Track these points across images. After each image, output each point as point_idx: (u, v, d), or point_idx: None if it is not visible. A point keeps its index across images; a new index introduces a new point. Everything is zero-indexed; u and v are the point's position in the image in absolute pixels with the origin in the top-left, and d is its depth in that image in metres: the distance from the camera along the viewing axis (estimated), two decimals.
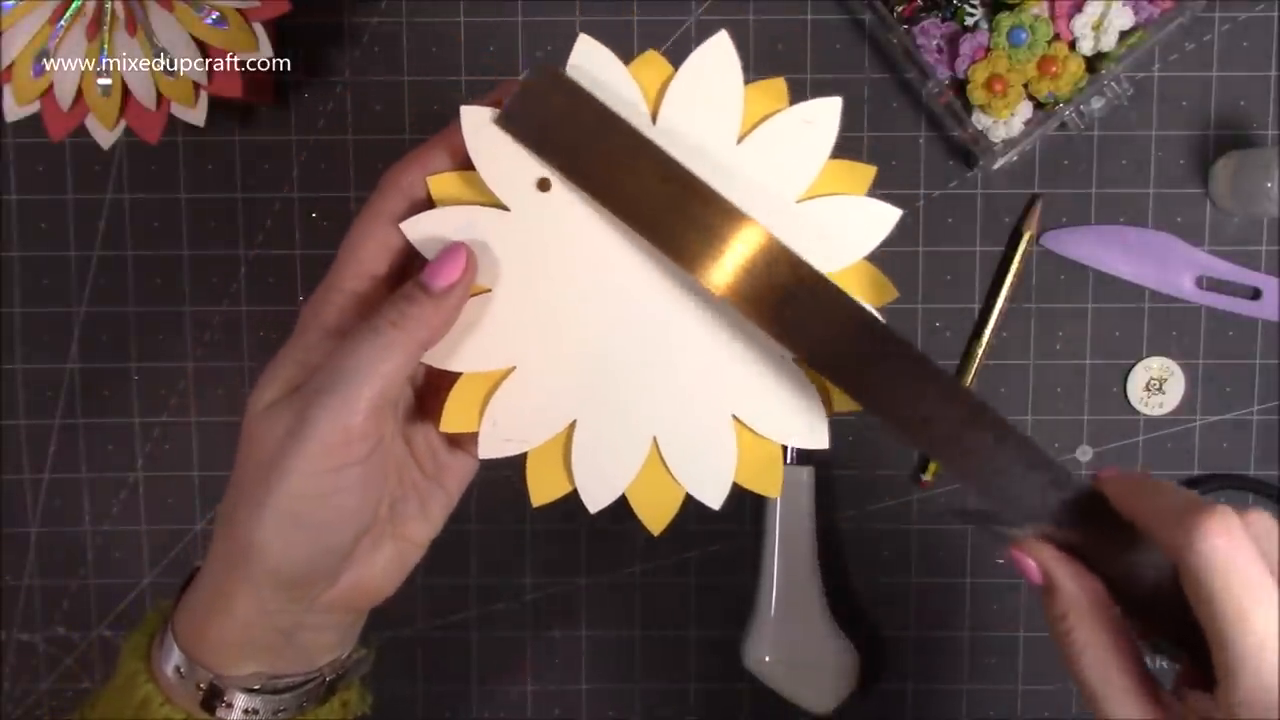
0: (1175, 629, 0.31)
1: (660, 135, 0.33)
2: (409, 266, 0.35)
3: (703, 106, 0.33)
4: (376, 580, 0.36)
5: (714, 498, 0.35)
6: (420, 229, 0.34)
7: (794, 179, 0.33)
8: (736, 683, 0.62)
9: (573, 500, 0.35)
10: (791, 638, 0.59)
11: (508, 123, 0.33)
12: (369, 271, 0.34)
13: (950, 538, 0.61)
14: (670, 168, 0.32)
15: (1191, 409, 0.60)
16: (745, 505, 0.61)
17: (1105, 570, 0.32)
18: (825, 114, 0.33)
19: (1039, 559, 0.33)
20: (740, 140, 0.33)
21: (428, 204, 0.34)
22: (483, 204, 0.34)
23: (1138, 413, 0.60)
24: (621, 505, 0.35)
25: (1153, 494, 0.31)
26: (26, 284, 0.60)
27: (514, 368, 0.34)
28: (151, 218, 0.60)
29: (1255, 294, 0.58)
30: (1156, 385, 0.59)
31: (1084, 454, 0.60)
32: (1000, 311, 0.59)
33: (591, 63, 0.33)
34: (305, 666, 0.36)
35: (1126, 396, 0.60)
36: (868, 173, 0.34)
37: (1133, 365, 0.59)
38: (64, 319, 0.60)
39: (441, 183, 0.34)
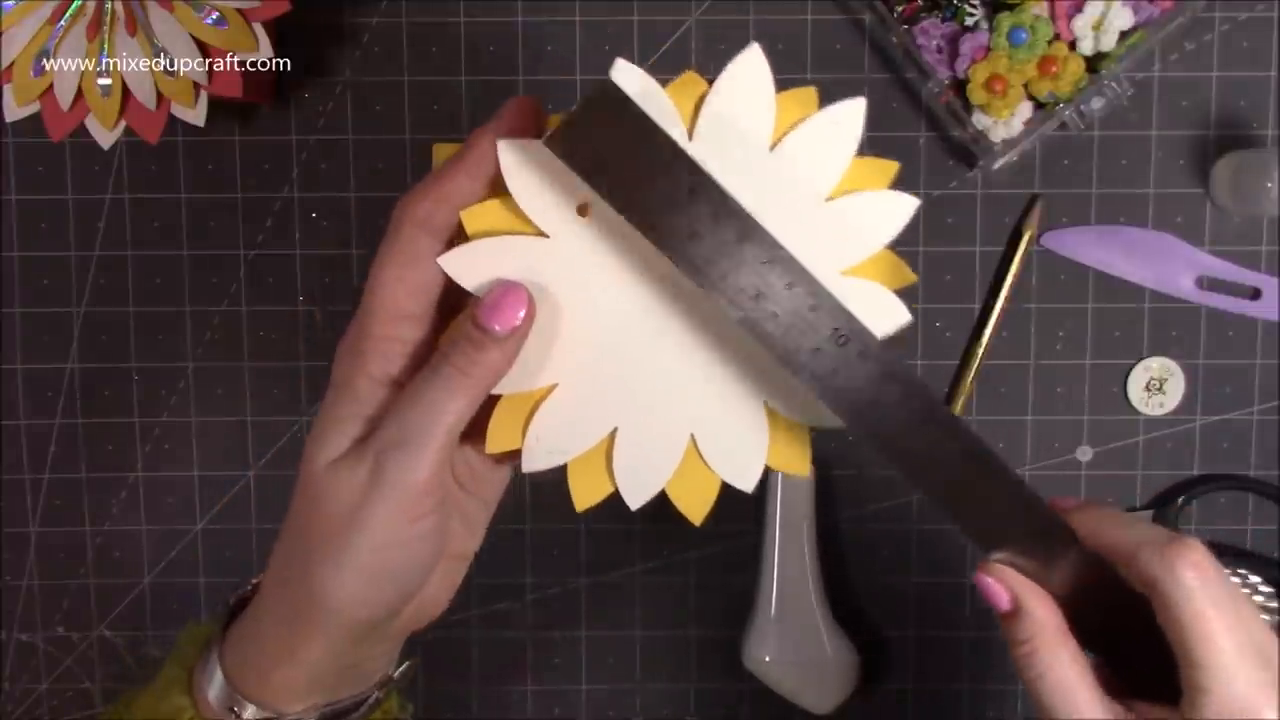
0: (1117, 647, 0.35)
1: (696, 149, 0.33)
2: (444, 300, 0.34)
3: (736, 119, 0.34)
4: (433, 602, 0.37)
5: (747, 483, 0.36)
6: (461, 264, 0.33)
7: (822, 179, 0.34)
8: (736, 683, 0.62)
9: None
10: (791, 638, 0.59)
11: (556, 144, 0.32)
12: (404, 315, 0.34)
13: (950, 538, 0.61)
14: (724, 206, 0.33)
15: (1191, 409, 0.60)
16: (745, 505, 0.61)
17: (1056, 592, 0.35)
18: (849, 115, 0.34)
19: (1008, 584, 0.34)
20: (773, 147, 0.34)
21: (454, 234, 0.34)
22: (521, 233, 0.34)
23: (1138, 413, 0.60)
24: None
25: (1124, 526, 0.34)
26: (26, 284, 0.60)
27: (555, 385, 0.35)
28: (151, 218, 0.60)
29: (1255, 294, 0.58)
30: (1156, 385, 0.59)
31: (1084, 454, 0.60)
32: (1000, 311, 0.59)
33: (629, 86, 0.33)
34: (360, 688, 0.37)
35: (1126, 396, 0.60)
36: (890, 168, 0.35)
37: (1133, 365, 0.59)
38: (64, 319, 0.60)
39: (475, 216, 0.34)
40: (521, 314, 0.33)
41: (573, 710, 0.63)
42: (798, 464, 0.36)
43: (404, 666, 0.39)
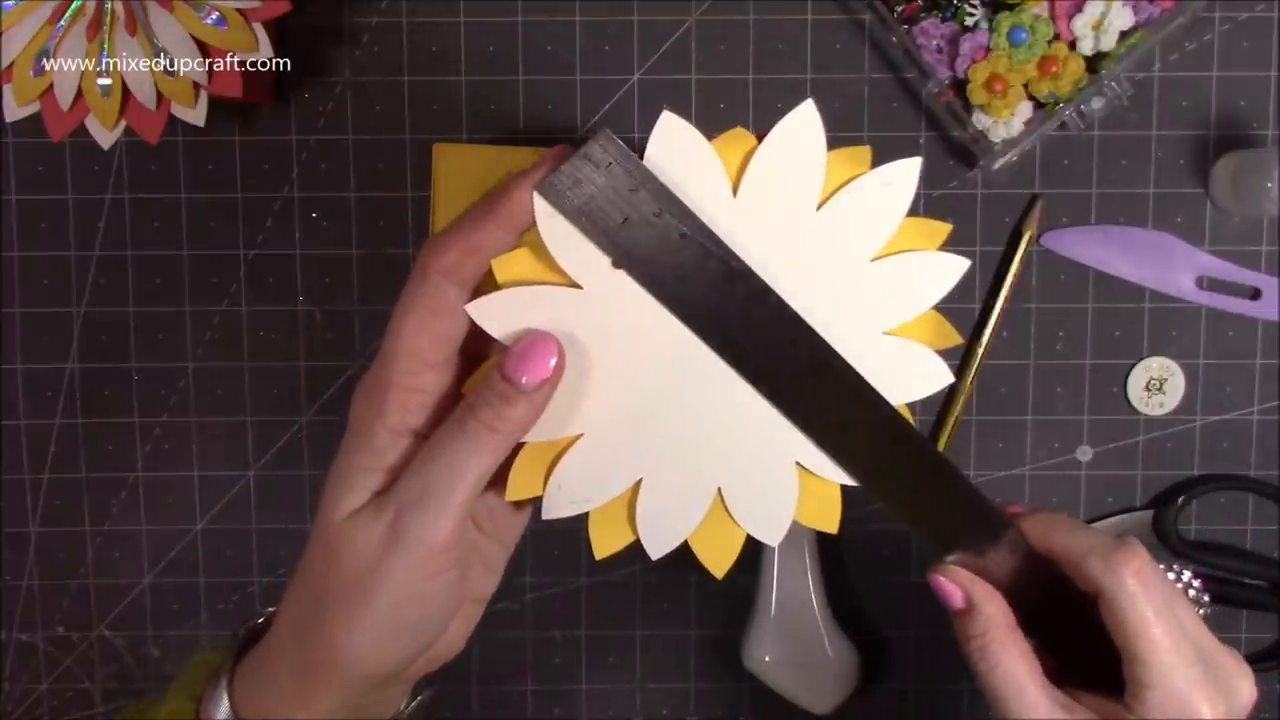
0: (1063, 640, 0.37)
1: (740, 205, 0.33)
2: (466, 344, 0.34)
3: (784, 177, 0.33)
4: (449, 645, 0.37)
5: (773, 537, 0.36)
6: (491, 313, 0.33)
7: (870, 239, 0.34)
8: (736, 683, 0.62)
9: None
10: (791, 638, 0.59)
11: (547, 190, 0.32)
12: (426, 364, 0.33)
13: None
14: (713, 248, 0.33)
15: (1191, 409, 0.60)
16: None
17: (1006, 589, 0.37)
18: (903, 176, 0.34)
19: (961, 584, 0.37)
20: (821, 206, 0.34)
21: (482, 282, 0.34)
22: (553, 283, 0.33)
23: (1138, 413, 0.60)
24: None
25: (1071, 532, 0.36)
26: (26, 284, 0.60)
27: (581, 434, 0.34)
28: (151, 218, 0.60)
29: (1255, 294, 0.58)
30: (1156, 385, 0.59)
31: (1084, 454, 0.60)
32: (1000, 311, 0.59)
33: (674, 140, 0.33)
34: None
35: (1126, 396, 0.60)
36: (941, 230, 0.35)
37: (1133, 365, 0.59)
38: (64, 319, 0.60)
39: (506, 264, 0.33)
40: (551, 365, 0.32)
41: (573, 710, 0.63)
42: (827, 522, 0.36)
43: (415, 702, 0.39)
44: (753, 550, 0.60)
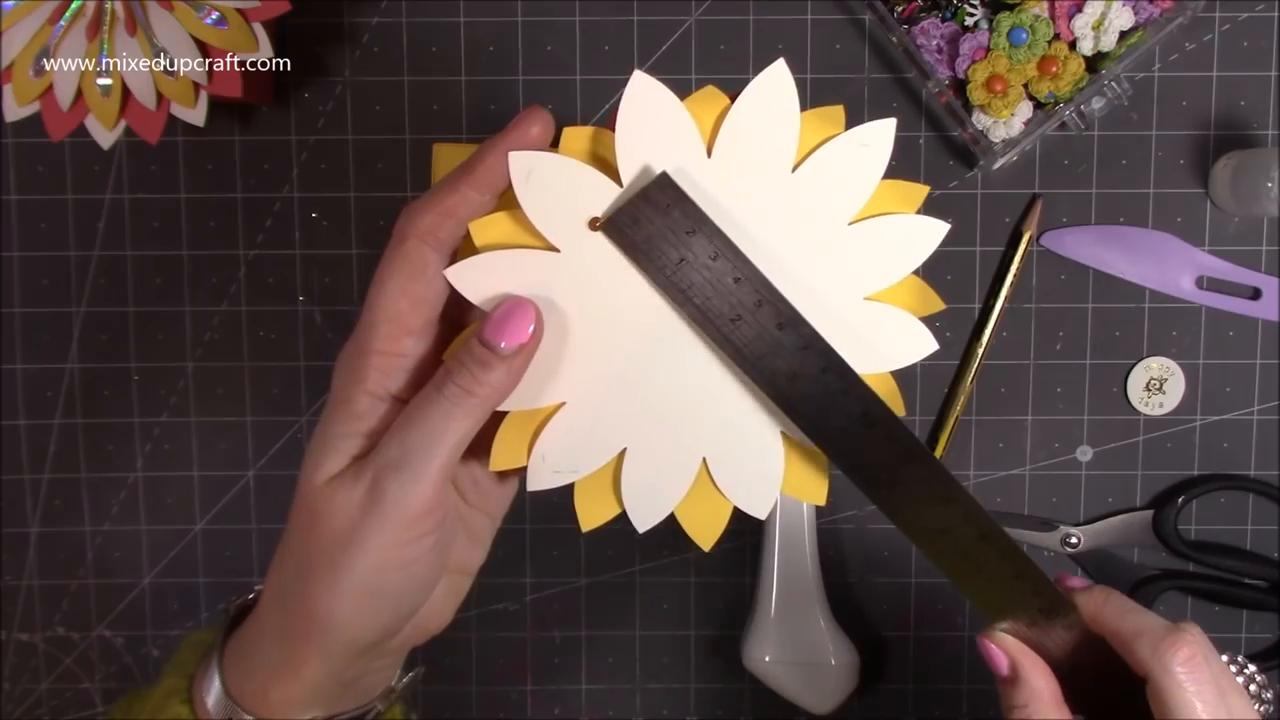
0: (1109, 716, 0.37)
1: (714, 168, 0.33)
2: (446, 312, 0.34)
3: (758, 137, 0.33)
4: (436, 616, 0.37)
5: (761, 509, 0.35)
6: (469, 278, 0.33)
7: (847, 202, 0.33)
8: (736, 683, 0.62)
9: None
10: (791, 638, 0.59)
11: (609, 229, 0.32)
12: (406, 329, 0.33)
13: None
14: (767, 293, 0.32)
15: (1191, 409, 0.60)
16: None
17: (1054, 659, 0.37)
18: (879, 136, 0.33)
19: (1010, 653, 0.36)
20: (795, 168, 0.33)
21: (460, 246, 0.33)
22: (531, 247, 0.33)
23: (1138, 413, 0.60)
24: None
25: (1125, 614, 0.35)
26: (26, 284, 0.60)
27: (563, 403, 0.34)
28: (151, 218, 0.60)
29: (1255, 294, 0.58)
30: (1156, 385, 0.59)
31: (1084, 454, 0.60)
32: (1000, 311, 0.59)
33: (646, 98, 0.32)
34: (362, 701, 0.36)
35: (1126, 396, 0.60)
36: (920, 191, 0.34)
37: (1133, 365, 0.59)
38: (64, 319, 0.60)
39: (484, 228, 0.33)
40: (529, 330, 0.32)
41: (573, 710, 0.63)
42: (814, 493, 0.35)
43: (407, 677, 0.38)
44: (753, 550, 0.60)
